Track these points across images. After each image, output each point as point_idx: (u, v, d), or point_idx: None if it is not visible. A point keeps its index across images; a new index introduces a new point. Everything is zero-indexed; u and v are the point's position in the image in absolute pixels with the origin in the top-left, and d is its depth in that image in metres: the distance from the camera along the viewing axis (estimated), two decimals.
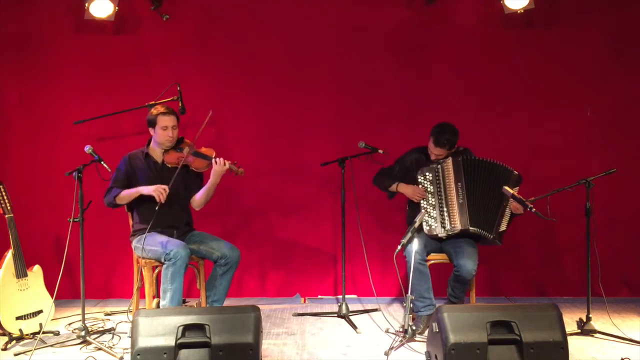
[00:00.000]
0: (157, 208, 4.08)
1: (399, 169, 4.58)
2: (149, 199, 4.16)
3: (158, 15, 5.15)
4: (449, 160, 4.36)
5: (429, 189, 4.38)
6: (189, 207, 4.43)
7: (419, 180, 4.41)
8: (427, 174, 4.40)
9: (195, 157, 4.28)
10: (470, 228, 4.28)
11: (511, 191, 4.18)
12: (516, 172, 4.36)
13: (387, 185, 4.55)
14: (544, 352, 3.29)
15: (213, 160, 4.21)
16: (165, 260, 4.02)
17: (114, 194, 4.18)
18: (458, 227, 4.28)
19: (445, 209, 4.33)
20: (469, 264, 4.19)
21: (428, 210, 4.37)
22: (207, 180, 4.35)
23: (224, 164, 4.19)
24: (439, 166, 4.37)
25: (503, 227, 4.36)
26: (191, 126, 4.73)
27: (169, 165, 4.27)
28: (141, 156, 4.32)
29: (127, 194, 4.18)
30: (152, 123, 4.26)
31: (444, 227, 4.32)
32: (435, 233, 4.35)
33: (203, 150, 4.32)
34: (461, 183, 4.33)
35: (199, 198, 4.35)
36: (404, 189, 4.47)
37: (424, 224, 4.35)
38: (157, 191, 4.08)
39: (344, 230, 4.71)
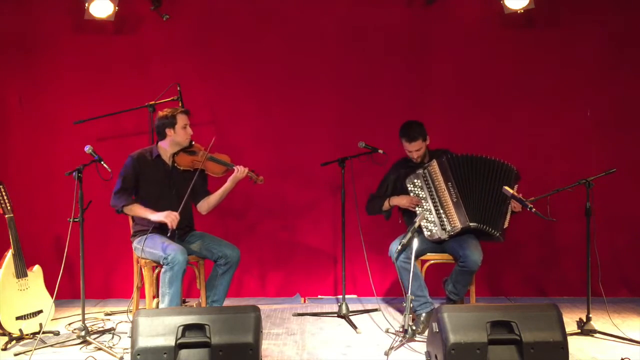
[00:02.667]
0: (168, 235, 4.06)
1: (388, 187, 4.55)
2: (158, 198, 4.18)
3: (158, 15, 5.15)
4: (434, 163, 4.34)
5: (421, 195, 4.36)
6: (191, 209, 4.43)
7: (410, 189, 4.39)
8: (415, 181, 4.39)
9: (213, 162, 4.27)
10: (471, 224, 4.25)
11: (511, 191, 4.18)
12: (514, 169, 4.35)
13: (380, 206, 4.51)
14: (544, 352, 3.29)
15: (235, 168, 4.23)
16: (163, 265, 4.02)
17: (124, 203, 4.13)
18: (458, 226, 4.27)
19: (442, 211, 4.32)
20: (475, 254, 4.17)
21: (425, 215, 4.35)
22: (211, 184, 4.36)
23: (244, 171, 4.23)
24: (425, 170, 4.35)
25: (506, 223, 4.34)
26: (191, 126, 4.72)
27: (181, 168, 4.26)
28: (150, 157, 4.27)
29: (136, 212, 4.16)
30: (171, 123, 4.20)
31: (444, 229, 4.30)
32: (437, 237, 4.32)
33: (217, 155, 4.32)
34: (451, 182, 4.31)
35: (209, 203, 4.35)
36: (398, 200, 4.45)
37: (425, 229, 4.34)
38: (169, 218, 4.05)
39: (344, 230, 4.71)
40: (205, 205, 4.38)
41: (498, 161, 4.36)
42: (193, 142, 4.32)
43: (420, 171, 4.38)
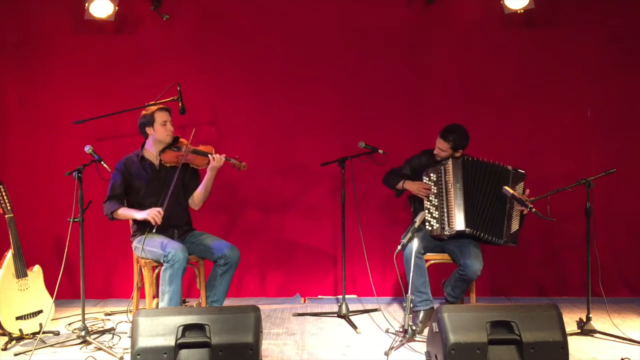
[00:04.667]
0: (153, 231, 4.08)
1: (408, 169, 4.60)
2: (151, 199, 4.19)
3: (158, 15, 5.15)
4: (450, 161, 4.36)
5: (433, 190, 4.39)
6: (188, 207, 4.44)
7: (424, 180, 4.43)
8: (431, 174, 4.41)
9: (195, 155, 4.29)
10: (466, 230, 4.27)
11: (511, 191, 4.19)
12: (513, 170, 4.34)
13: (394, 183, 4.58)
14: (544, 352, 3.29)
15: (210, 157, 4.24)
16: (163, 262, 4.02)
17: (112, 209, 4.18)
18: (455, 228, 4.28)
19: (445, 210, 4.33)
20: (475, 264, 4.18)
21: (431, 210, 4.36)
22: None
23: (221, 159, 4.24)
24: (442, 167, 4.38)
25: (515, 227, 4.34)
26: (191, 126, 4.73)
27: (168, 165, 4.28)
28: (136, 159, 4.31)
29: (123, 215, 4.20)
30: (150, 122, 4.25)
31: (444, 229, 4.32)
32: (436, 233, 4.35)
33: (201, 147, 4.33)
34: (459, 184, 4.33)
35: (197, 196, 4.37)
36: (410, 185, 4.49)
37: (427, 224, 4.36)
38: (151, 215, 4.06)
39: (344, 230, 4.71)
40: (194, 200, 4.40)
41: (501, 165, 4.36)
42: (179, 138, 4.35)
43: (438, 166, 4.40)
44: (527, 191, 4.33)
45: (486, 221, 4.30)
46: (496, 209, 4.32)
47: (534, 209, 4.09)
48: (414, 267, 4.23)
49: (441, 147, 4.42)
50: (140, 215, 4.13)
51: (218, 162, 4.24)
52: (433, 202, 4.38)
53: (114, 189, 4.22)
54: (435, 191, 4.38)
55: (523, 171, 4.39)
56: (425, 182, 4.41)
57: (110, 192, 4.22)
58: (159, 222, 4.05)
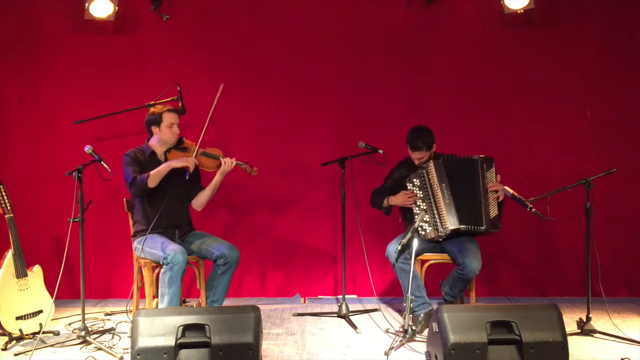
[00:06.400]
0: (187, 177, 4.16)
1: (391, 183, 4.58)
2: (156, 196, 4.18)
3: (158, 15, 5.15)
4: (431, 163, 4.36)
5: (419, 195, 4.37)
6: (189, 208, 4.44)
7: (409, 188, 4.41)
8: (414, 180, 4.40)
9: (206, 157, 4.29)
10: (461, 227, 4.26)
11: (511, 191, 4.19)
12: (480, 158, 4.34)
13: (380, 202, 4.55)
14: (544, 352, 3.29)
15: (222, 160, 4.25)
16: (163, 265, 4.02)
17: (144, 177, 4.10)
18: (449, 227, 4.27)
19: (435, 212, 4.32)
20: (474, 262, 4.17)
21: (423, 215, 4.35)
22: (206, 181, 4.37)
23: (232, 163, 4.25)
24: (424, 171, 4.37)
25: (493, 212, 4.31)
26: (191, 126, 4.73)
27: None
28: (144, 155, 4.29)
29: (157, 172, 4.12)
30: (157, 121, 4.25)
31: (437, 230, 4.31)
32: (431, 237, 4.34)
33: (210, 150, 4.33)
34: (445, 184, 4.32)
35: (203, 197, 4.38)
36: (394, 200, 4.47)
37: (420, 229, 4.35)
38: (187, 161, 4.14)
39: (344, 230, 4.71)
40: (198, 201, 4.40)
41: (469, 157, 4.37)
42: (184, 139, 4.35)
43: (420, 171, 4.39)
44: (499, 177, 4.33)
45: (474, 213, 4.29)
46: (475, 198, 4.30)
47: (534, 209, 4.09)
48: (402, 273, 4.23)
49: (419, 157, 4.40)
50: (175, 163, 4.14)
51: (229, 165, 4.25)
52: (422, 207, 4.36)
53: (135, 171, 4.16)
54: (421, 196, 4.37)
55: (491, 156, 4.39)
56: (408, 191, 4.40)
57: (132, 174, 4.13)
58: (191, 170, 4.13)
